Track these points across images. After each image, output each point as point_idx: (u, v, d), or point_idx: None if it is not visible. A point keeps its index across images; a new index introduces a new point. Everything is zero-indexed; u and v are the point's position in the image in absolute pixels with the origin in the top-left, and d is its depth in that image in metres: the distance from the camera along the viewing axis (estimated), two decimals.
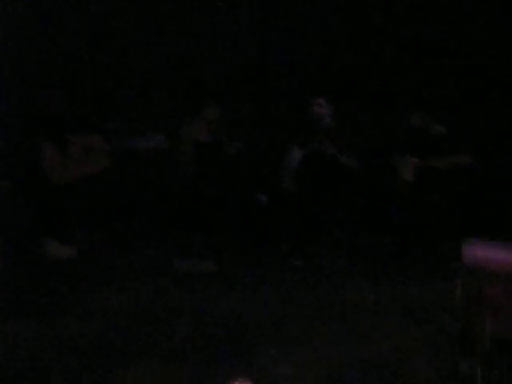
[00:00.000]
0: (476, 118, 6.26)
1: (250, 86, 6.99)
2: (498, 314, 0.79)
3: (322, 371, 3.24)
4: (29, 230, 4.70)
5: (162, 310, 4.13)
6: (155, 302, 4.26)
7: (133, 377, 3.23)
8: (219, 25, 7.07)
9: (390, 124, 6.51)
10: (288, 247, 5.49)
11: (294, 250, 5.43)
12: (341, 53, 6.98)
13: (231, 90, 6.85)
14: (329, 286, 4.59)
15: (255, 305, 4.19)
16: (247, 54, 7.09)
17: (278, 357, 3.40)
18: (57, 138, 5.35)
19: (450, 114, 6.15)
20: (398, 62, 6.87)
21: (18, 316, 3.94)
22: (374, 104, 6.77)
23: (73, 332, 3.75)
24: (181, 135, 6.24)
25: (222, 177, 6.08)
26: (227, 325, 3.87)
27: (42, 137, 5.33)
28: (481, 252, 0.90)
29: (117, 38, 6.69)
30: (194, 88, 6.67)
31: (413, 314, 4.02)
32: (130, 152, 5.65)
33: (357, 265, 5.12)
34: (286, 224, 5.80)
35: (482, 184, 5.73)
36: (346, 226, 5.70)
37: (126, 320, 3.96)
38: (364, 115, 6.68)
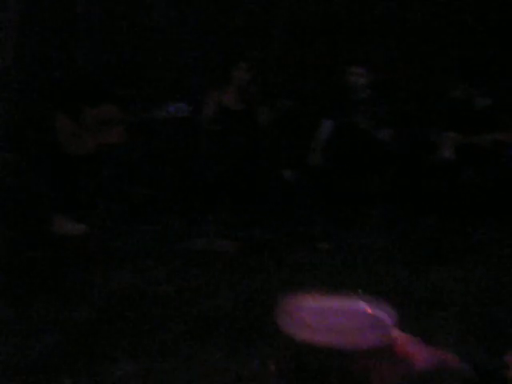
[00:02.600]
0: None
1: (283, 50, 6.60)
2: None
3: None
4: (35, 205, 4.45)
5: (175, 289, 3.87)
6: (168, 282, 4.00)
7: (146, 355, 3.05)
8: None
9: (430, 96, 6.10)
10: (314, 228, 5.10)
11: (321, 231, 5.03)
12: (383, 22, 6.58)
13: (264, 52, 6.44)
14: (360, 269, 4.21)
15: (275, 287, 3.87)
16: (284, 14, 6.69)
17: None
18: (71, 108, 5.09)
19: (495, 88, 5.75)
20: (439, 32, 6.48)
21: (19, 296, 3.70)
22: (413, 74, 6.37)
23: (81, 312, 3.52)
24: (206, 102, 5.77)
25: (250, 149, 5.70)
26: (244, 307, 3.60)
27: (56, 107, 5.08)
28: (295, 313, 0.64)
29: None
30: (222, 48, 6.25)
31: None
32: (148, 122, 5.31)
33: (393, 246, 4.68)
34: (314, 203, 5.45)
35: None
36: (379, 205, 5.31)
37: (138, 299, 3.73)
38: (402, 86, 6.27)
